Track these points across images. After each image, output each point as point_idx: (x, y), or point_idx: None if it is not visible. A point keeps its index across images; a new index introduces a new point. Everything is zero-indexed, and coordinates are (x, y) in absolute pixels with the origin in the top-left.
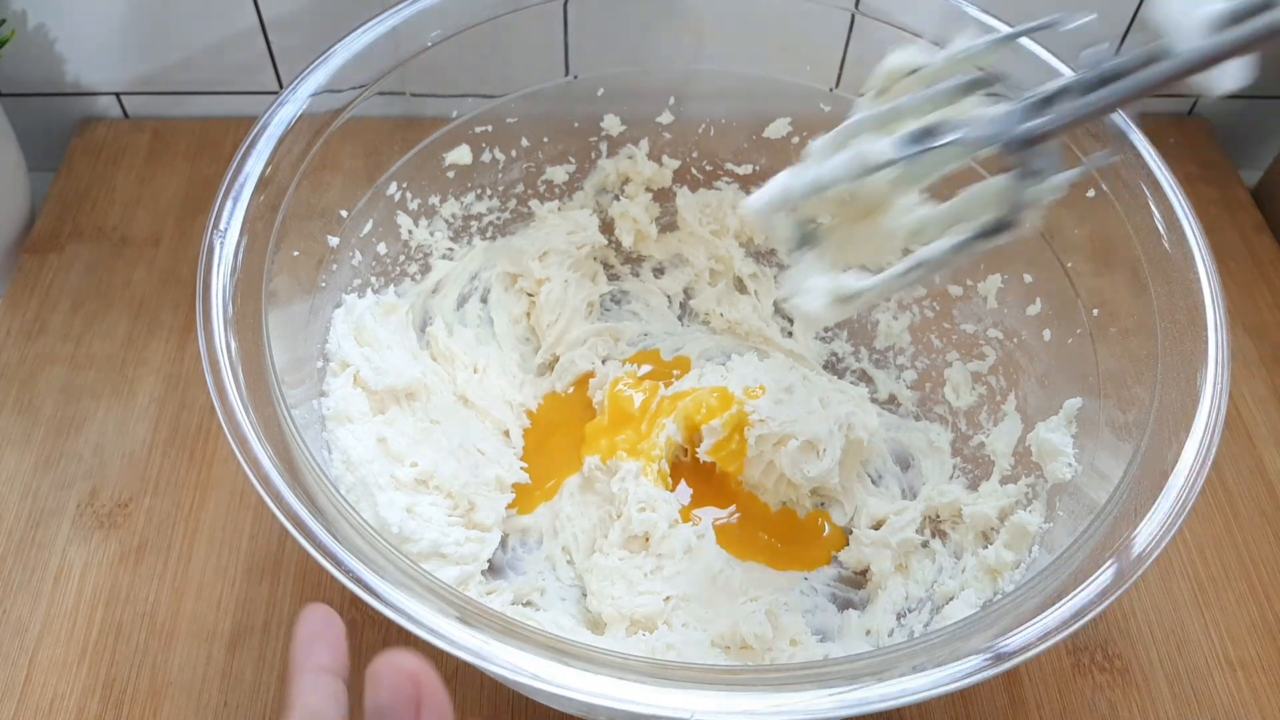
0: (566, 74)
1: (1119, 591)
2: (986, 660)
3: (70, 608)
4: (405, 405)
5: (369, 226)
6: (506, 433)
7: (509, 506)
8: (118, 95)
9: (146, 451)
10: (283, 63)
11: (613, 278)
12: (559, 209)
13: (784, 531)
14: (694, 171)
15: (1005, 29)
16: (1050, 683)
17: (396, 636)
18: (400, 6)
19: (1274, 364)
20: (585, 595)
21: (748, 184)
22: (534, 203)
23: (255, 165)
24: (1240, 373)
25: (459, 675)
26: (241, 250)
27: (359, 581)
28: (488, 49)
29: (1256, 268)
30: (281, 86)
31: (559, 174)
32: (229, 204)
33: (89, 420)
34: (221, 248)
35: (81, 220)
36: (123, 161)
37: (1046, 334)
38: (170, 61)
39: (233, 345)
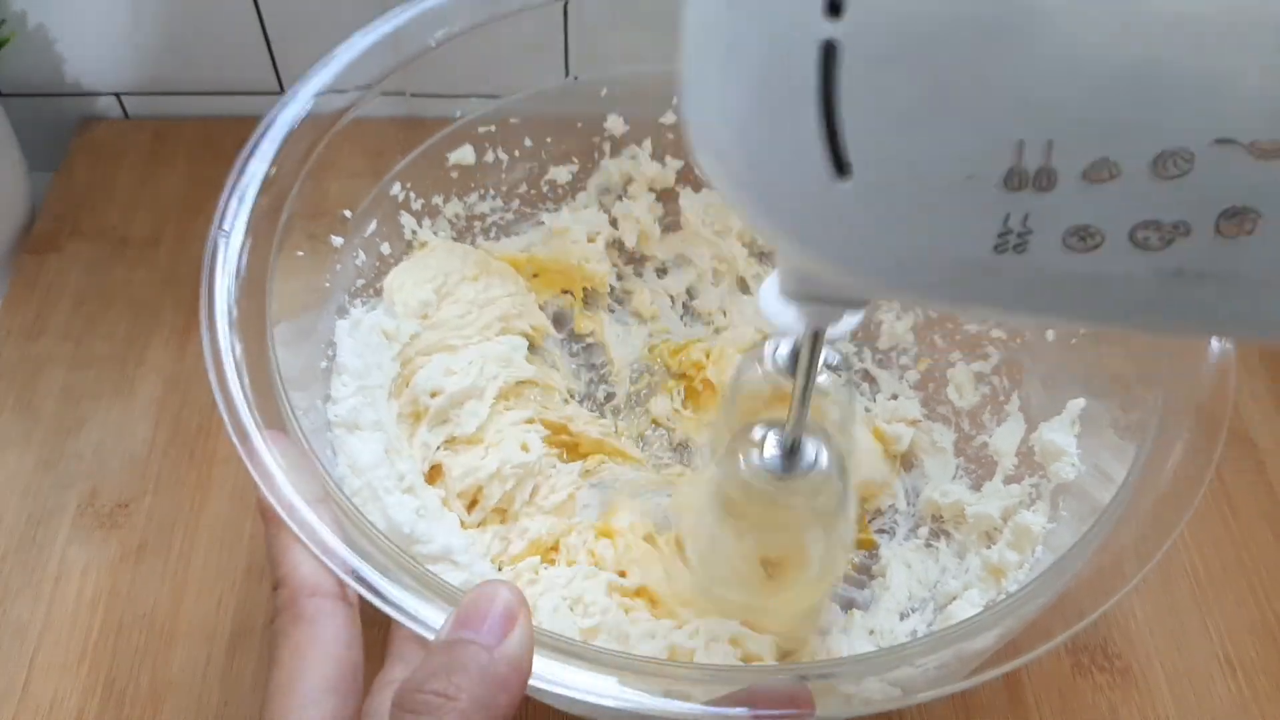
0: (567, 75)
1: (1120, 592)
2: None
3: (70, 608)
4: None
5: (373, 227)
6: None
7: None
8: (118, 95)
9: (147, 451)
10: (283, 63)
11: (616, 277)
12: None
13: None
14: (697, 171)
15: None
16: (1050, 683)
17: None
18: (403, 8)
19: (1275, 364)
20: None
21: None
22: (537, 203)
23: (259, 166)
24: (1241, 373)
25: None
26: (245, 251)
27: (360, 580)
28: (490, 50)
29: None
30: (282, 87)
31: (562, 174)
32: (233, 204)
33: (89, 420)
34: (225, 248)
35: (81, 220)
36: (123, 161)
37: (1050, 334)
38: (170, 61)
39: (236, 346)
